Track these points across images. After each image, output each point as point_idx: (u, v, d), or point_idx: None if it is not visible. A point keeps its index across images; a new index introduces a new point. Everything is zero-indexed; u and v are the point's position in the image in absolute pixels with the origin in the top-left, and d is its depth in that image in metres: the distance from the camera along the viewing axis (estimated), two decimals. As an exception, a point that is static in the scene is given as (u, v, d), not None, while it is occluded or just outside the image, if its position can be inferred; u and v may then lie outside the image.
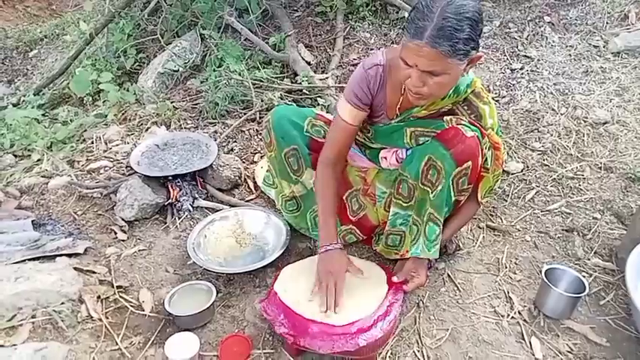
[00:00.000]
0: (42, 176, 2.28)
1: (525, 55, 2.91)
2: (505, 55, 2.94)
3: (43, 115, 3.06)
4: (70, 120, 2.87)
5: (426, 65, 1.22)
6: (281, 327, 1.35)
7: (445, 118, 1.46)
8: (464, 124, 1.42)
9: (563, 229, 1.93)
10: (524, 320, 1.57)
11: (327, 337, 1.31)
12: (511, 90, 2.70)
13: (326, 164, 1.58)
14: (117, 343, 1.49)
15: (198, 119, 2.66)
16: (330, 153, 1.57)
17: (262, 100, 2.61)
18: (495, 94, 2.69)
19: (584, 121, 2.41)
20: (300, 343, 1.31)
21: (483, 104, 1.46)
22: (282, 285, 1.47)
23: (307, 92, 2.66)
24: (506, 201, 2.08)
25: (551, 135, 2.37)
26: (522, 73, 2.78)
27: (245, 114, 2.58)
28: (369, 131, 1.61)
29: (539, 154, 2.29)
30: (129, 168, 2.24)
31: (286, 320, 1.36)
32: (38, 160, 2.49)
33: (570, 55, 2.86)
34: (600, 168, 2.18)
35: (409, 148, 1.56)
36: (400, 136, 1.54)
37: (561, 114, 2.48)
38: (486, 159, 1.48)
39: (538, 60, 2.86)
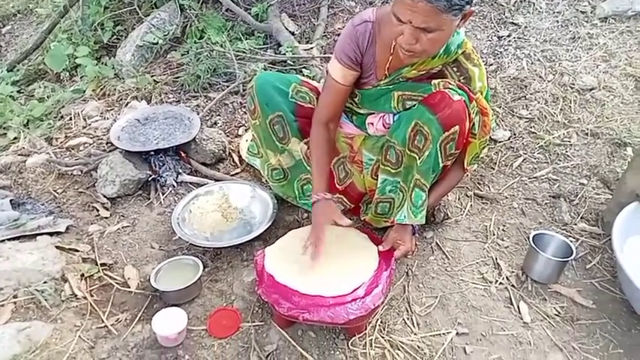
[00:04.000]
0: (19, 154, 2.22)
1: (512, 22, 2.87)
2: (492, 23, 2.89)
3: (18, 91, 2.96)
4: (47, 96, 2.78)
5: (421, 21, 1.18)
6: (287, 308, 1.32)
7: (433, 81, 1.42)
8: (451, 88, 1.39)
9: (550, 196, 1.93)
10: (512, 286, 1.58)
11: (340, 306, 1.30)
12: (498, 57, 2.66)
13: (319, 123, 1.56)
14: (103, 321, 1.47)
15: (179, 93, 2.58)
16: (323, 113, 1.55)
17: (245, 72, 2.54)
18: (483, 62, 2.65)
19: (571, 88, 2.40)
20: (314, 318, 1.29)
21: (473, 66, 1.42)
22: (273, 266, 1.44)
23: (292, 63, 2.59)
24: (494, 169, 2.07)
25: (538, 102, 2.35)
26: (509, 41, 2.75)
27: (228, 86, 2.52)
28: (356, 96, 1.57)
29: (526, 122, 2.28)
30: (109, 144, 2.18)
31: (291, 300, 1.33)
32: (15, 138, 2.42)
33: (557, 21, 2.83)
34: (587, 134, 2.17)
35: (396, 113, 1.53)
36: (387, 100, 1.50)
37: (548, 81, 2.46)
38: (474, 124, 1.46)
39: (525, 27, 2.82)
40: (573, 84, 2.41)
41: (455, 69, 1.43)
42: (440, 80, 1.42)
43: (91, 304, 1.52)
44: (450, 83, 1.41)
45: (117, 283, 1.59)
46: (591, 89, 2.37)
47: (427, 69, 1.42)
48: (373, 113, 1.60)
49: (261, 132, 1.68)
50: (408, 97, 1.46)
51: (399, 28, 1.23)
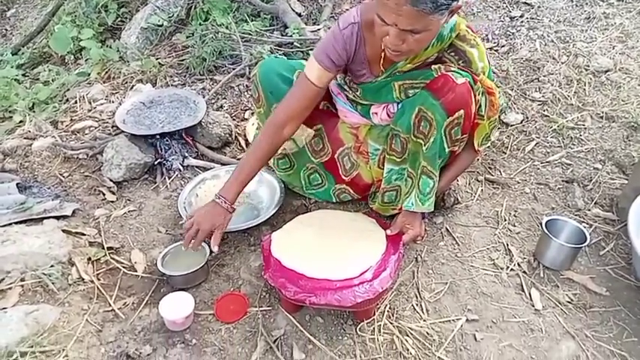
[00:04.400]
0: (25, 138, 2.20)
1: (525, 2, 2.79)
2: (504, 3, 2.82)
3: (23, 75, 2.95)
4: (52, 80, 2.75)
5: (406, 24, 1.13)
6: (294, 292, 1.30)
7: (433, 66, 1.38)
8: (454, 71, 1.34)
9: (563, 181, 1.89)
10: (524, 272, 1.55)
11: (347, 289, 1.29)
12: (510, 39, 2.59)
13: (273, 122, 1.46)
14: (110, 305, 1.46)
15: (185, 76, 2.55)
16: (284, 111, 1.46)
17: (251, 55, 2.50)
18: (494, 43, 2.59)
19: (586, 70, 2.33)
20: (321, 302, 1.28)
21: (470, 47, 1.36)
22: (280, 251, 1.42)
23: (298, 45, 2.54)
24: (506, 153, 2.03)
25: (552, 85, 2.29)
26: (522, 21, 2.67)
27: (234, 69, 2.48)
28: (357, 90, 1.52)
29: (539, 105, 2.22)
30: (115, 127, 2.16)
31: (298, 284, 1.31)
32: (20, 121, 2.40)
33: (572, 0, 2.74)
34: (602, 117, 2.12)
35: (400, 102, 1.49)
36: (389, 91, 1.46)
37: (562, 63, 2.39)
38: (480, 105, 1.41)
39: (538, 7, 2.74)
40: (588, 66, 2.35)
41: (452, 54, 1.38)
42: (440, 65, 1.37)
43: (98, 287, 1.51)
44: (451, 66, 1.36)
45: (123, 267, 1.58)
46: (607, 71, 2.31)
47: (422, 60, 1.37)
48: (376, 103, 1.56)
49: (266, 120, 1.65)
50: (409, 86, 1.42)
51: (384, 29, 1.18)
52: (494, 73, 2.07)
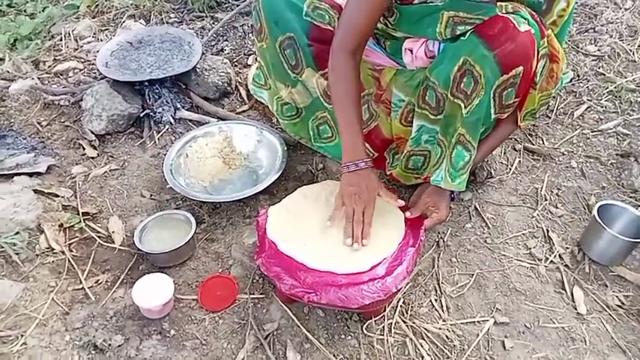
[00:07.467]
0: (2, 79, 1.96)
1: None
2: None
3: (8, 5, 2.65)
4: (39, 12, 2.47)
5: None
6: (290, 285, 1.09)
7: (499, 3, 1.07)
8: (521, 15, 1.04)
9: (617, 154, 1.61)
10: (566, 266, 1.31)
11: (354, 287, 1.06)
12: (564, -22, 2.20)
13: (344, 51, 1.18)
14: (81, 282, 1.27)
15: (182, 12, 2.24)
16: (349, 36, 1.17)
17: (259, -12, 2.17)
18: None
19: (654, 19, 1.97)
20: (321, 301, 1.06)
21: None
22: (276, 231, 1.19)
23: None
24: (550, 118, 1.73)
25: (611, 36, 1.96)
26: (579, -43, 2.27)
27: (238, 5, 2.16)
28: (393, 14, 1.20)
29: (593, 60, 1.90)
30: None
31: (296, 276, 1.10)
32: (1, 59, 2.15)
33: None
34: (670, 78, 1.79)
35: (442, 42, 1.18)
36: (433, 22, 1.14)
37: (625, 9, 2.04)
38: (539, 69, 1.11)
39: (600, -61, 2.32)
40: (657, 14, 1.98)
41: None
42: (508, 2, 1.06)
43: (69, 260, 1.32)
44: (520, 8, 1.05)
45: (99, 237, 1.38)
46: (680, 21, 1.95)
47: None
48: (412, 37, 1.25)
49: (269, 58, 1.37)
50: (460, 21, 1.10)
51: None
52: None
